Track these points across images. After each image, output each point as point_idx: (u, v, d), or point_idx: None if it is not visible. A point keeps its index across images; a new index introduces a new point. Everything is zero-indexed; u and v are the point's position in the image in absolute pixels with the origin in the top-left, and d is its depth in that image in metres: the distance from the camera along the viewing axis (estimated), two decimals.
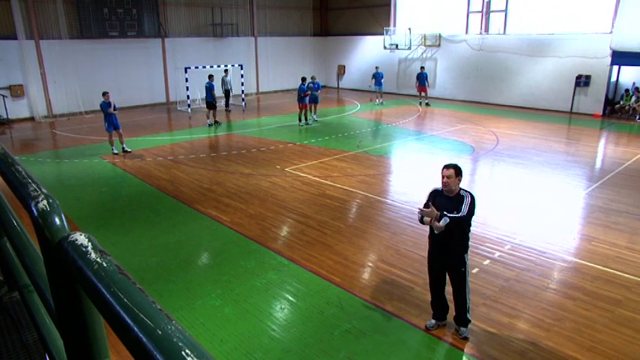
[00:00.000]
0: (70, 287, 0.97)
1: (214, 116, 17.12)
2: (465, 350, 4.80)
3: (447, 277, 4.94)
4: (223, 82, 20.20)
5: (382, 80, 21.55)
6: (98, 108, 19.40)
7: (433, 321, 5.11)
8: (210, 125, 16.88)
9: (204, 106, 20.89)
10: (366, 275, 6.35)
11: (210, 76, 17.14)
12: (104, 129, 12.77)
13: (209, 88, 16.70)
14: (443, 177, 4.70)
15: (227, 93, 20.37)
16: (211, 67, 20.51)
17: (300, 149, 13.43)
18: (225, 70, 20.25)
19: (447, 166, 4.75)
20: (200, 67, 20.14)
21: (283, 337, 5.00)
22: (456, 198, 4.68)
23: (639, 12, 16.67)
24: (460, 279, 4.82)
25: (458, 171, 4.70)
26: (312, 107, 17.32)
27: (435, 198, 4.82)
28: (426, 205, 4.70)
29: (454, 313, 5.03)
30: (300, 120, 16.87)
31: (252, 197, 9.35)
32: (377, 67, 21.72)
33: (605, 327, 5.10)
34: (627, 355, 4.64)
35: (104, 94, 12.56)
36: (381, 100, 21.83)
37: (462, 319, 4.95)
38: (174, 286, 6.04)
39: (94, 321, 1.00)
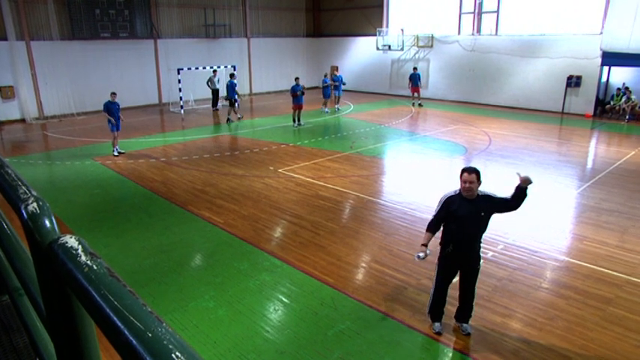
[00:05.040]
0: (61, 290, 0.97)
1: (234, 112, 18.05)
2: (459, 350, 4.82)
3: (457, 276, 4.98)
4: (210, 81, 20.44)
5: (342, 85, 20.11)
6: (90, 109, 19.57)
7: (438, 324, 5.06)
8: (228, 121, 17.84)
9: (197, 107, 21.14)
10: (359, 276, 6.36)
11: (232, 75, 17.93)
12: (109, 129, 12.79)
13: (230, 86, 17.56)
14: (465, 182, 4.55)
15: (215, 93, 20.61)
16: (204, 68, 20.52)
17: (293, 150, 13.43)
18: (214, 71, 20.42)
19: (468, 171, 4.58)
20: (193, 68, 20.11)
21: (277, 338, 4.99)
22: (478, 200, 4.64)
23: (629, 13, 16.86)
24: (475, 275, 4.90)
25: (479, 176, 4.61)
26: (325, 102, 19.71)
27: (453, 205, 4.64)
28: (440, 214, 4.73)
29: (458, 312, 5.05)
30: (293, 121, 16.90)
31: (245, 198, 9.34)
32: (336, 69, 21.38)
33: (597, 325, 5.14)
34: (618, 353, 4.69)
35: (113, 94, 12.57)
36: (337, 107, 20.34)
37: (468, 316, 5.01)
38: (168, 288, 6.01)
39: (85, 324, 1.00)
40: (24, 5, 17.83)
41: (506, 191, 4.84)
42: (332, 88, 19.85)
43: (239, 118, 18.35)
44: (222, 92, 21.27)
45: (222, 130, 16.82)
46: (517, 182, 4.64)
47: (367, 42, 26.01)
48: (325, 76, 20.01)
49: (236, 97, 17.69)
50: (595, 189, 9.80)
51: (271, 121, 18.12)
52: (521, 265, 6.53)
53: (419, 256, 4.70)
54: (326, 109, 19.81)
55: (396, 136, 15.48)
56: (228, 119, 17.93)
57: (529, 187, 4.59)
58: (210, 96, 21.01)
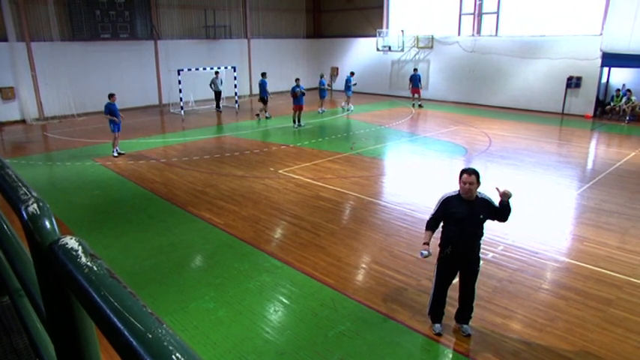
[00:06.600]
0: (61, 291, 0.97)
1: (264, 111, 18.78)
2: (459, 351, 4.81)
3: (457, 278, 4.98)
4: (213, 83, 20.46)
5: (351, 85, 20.11)
6: (90, 110, 19.58)
7: (438, 325, 5.06)
8: (267, 117, 18.71)
9: (197, 108, 21.17)
10: (359, 277, 6.36)
11: (263, 74, 18.69)
12: (110, 130, 12.81)
13: (262, 85, 18.35)
14: (464, 183, 4.55)
15: (217, 94, 20.63)
16: (204, 69, 20.52)
17: (294, 151, 13.43)
18: (216, 73, 20.45)
19: (468, 172, 4.57)
20: (193, 69, 20.11)
21: (277, 339, 4.99)
22: (477, 202, 4.64)
23: (629, 14, 16.86)
24: (475, 276, 4.90)
25: (478, 177, 4.60)
26: (322, 102, 20.13)
27: (451, 206, 4.66)
28: (437, 213, 4.77)
29: (458, 313, 5.05)
30: (294, 122, 16.91)
31: (245, 199, 9.34)
32: (352, 73, 20.99)
33: (597, 326, 5.14)
34: (618, 354, 4.69)
35: (111, 95, 12.56)
36: (347, 106, 20.61)
37: (468, 317, 5.01)
38: (168, 289, 6.01)
39: (85, 325, 1.00)
40: (24, 6, 17.83)
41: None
42: (329, 90, 20.02)
43: (267, 117, 18.73)
44: (224, 93, 21.32)
45: (224, 131, 16.83)
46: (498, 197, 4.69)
47: (367, 43, 26.02)
48: (322, 77, 19.90)
49: (266, 95, 18.41)
50: (595, 190, 9.79)
51: (271, 122, 18.12)
52: (522, 266, 6.53)
53: (422, 254, 4.80)
54: (323, 109, 20.09)
55: (397, 137, 15.49)
56: (266, 116, 18.64)
57: (510, 200, 4.62)
58: (213, 97, 21.02)
